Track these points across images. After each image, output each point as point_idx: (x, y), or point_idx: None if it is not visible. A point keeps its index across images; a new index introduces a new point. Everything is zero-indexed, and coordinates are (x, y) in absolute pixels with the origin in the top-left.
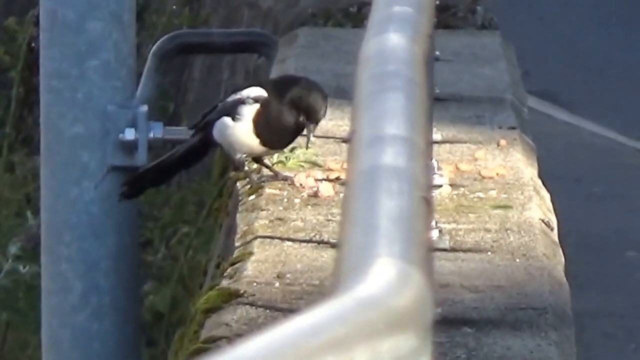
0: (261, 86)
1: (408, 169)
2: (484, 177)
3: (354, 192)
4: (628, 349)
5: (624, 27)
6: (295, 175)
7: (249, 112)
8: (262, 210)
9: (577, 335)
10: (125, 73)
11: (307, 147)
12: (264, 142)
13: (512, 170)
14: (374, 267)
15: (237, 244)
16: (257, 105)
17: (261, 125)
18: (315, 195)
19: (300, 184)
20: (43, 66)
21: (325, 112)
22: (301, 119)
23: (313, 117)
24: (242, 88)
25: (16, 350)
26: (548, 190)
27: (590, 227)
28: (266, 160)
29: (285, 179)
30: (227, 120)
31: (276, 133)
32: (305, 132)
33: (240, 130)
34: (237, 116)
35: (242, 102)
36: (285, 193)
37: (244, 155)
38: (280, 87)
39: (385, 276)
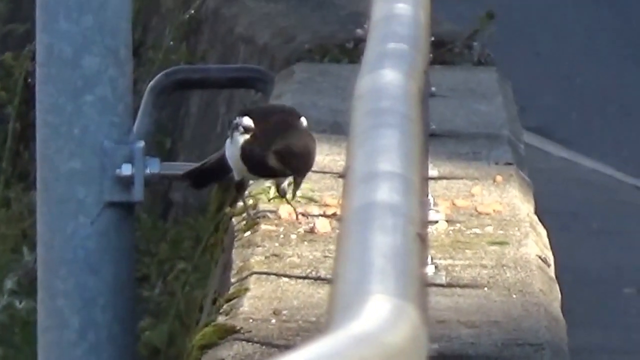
0: (250, 116)
1: (402, 205)
2: (480, 213)
3: (349, 229)
4: None
5: (621, 64)
6: (277, 209)
7: (240, 139)
8: (258, 246)
9: None
10: (122, 108)
11: (293, 197)
12: (252, 173)
13: (508, 207)
14: (368, 303)
15: (233, 280)
16: (247, 136)
17: (247, 160)
18: (312, 231)
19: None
20: (39, 101)
21: (311, 165)
22: (287, 172)
23: (298, 175)
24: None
25: None
26: (545, 226)
27: (587, 264)
28: (285, 184)
29: (263, 215)
30: (228, 140)
31: (261, 172)
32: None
33: (233, 155)
34: (232, 140)
35: (237, 126)
36: (281, 229)
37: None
38: (267, 131)
39: (379, 312)
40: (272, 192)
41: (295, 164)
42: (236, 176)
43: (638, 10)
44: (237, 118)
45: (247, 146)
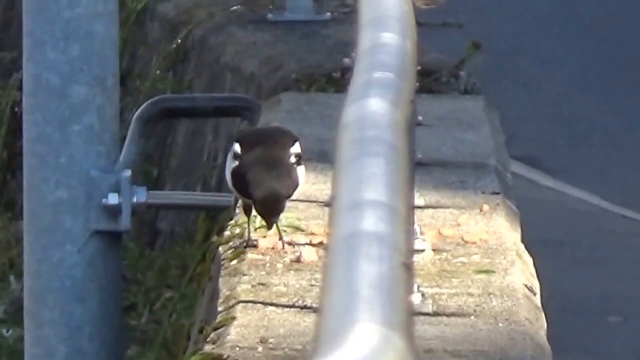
0: (241, 143)
1: (388, 234)
2: (466, 242)
3: (335, 257)
4: None
5: (607, 93)
6: (257, 240)
7: (232, 165)
8: (244, 275)
9: None
10: (109, 137)
11: (269, 229)
12: (244, 196)
13: (495, 235)
14: (355, 332)
15: (219, 309)
16: (236, 163)
17: (236, 184)
18: (298, 260)
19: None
20: (26, 130)
21: (279, 212)
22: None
23: (264, 219)
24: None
25: None
26: (531, 255)
27: (573, 292)
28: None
29: (253, 245)
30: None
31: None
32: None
33: (227, 177)
34: (228, 166)
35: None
36: (267, 258)
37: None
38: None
39: (366, 341)
40: (258, 221)
41: (261, 211)
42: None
43: (625, 40)
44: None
45: (234, 173)
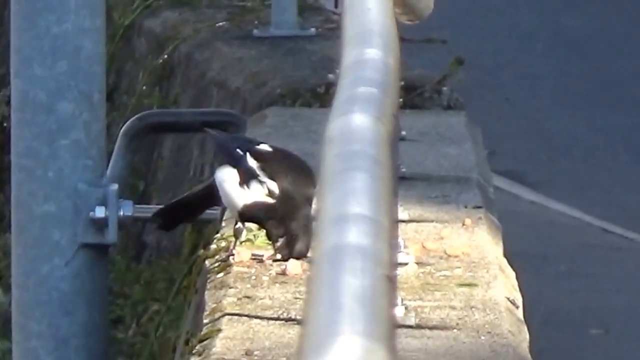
0: (273, 179)
1: (372, 247)
2: (449, 256)
3: (319, 270)
4: None
5: (589, 109)
6: (238, 253)
7: (258, 194)
8: (230, 287)
9: None
10: (96, 152)
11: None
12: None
13: (477, 249)
14: (338, 344)
15: (205, 321)
16: (269, 201)
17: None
18: (283, 273)
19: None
20: (14, 145)
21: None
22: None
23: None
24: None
25: None
26: (514, 269)
27: (556, 305)
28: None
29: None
30: (230, 176)
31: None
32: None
33: (234, 200)
34: (246, 186)
35: (255, 175)
36: (253, 271)
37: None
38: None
39: (349, 353)
40: (244, 235)
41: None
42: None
43: (606, 57)
44: (252, 162)
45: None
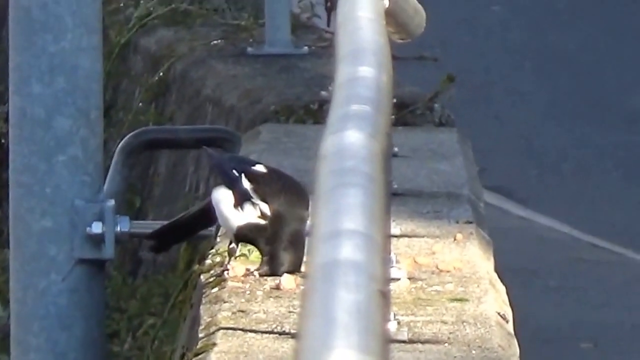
0: (265, 201)
1: (365, 262)
2: (441, 271)
3: (313, 285)
4: None
5: (577, 125)
6: (232, 267)
7: (251, 216)
8: (225, 302)
9: None
10: (93, 168)
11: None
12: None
13: (468, 264)
14: (331, 358)
15: (200, 335)
16: (261, 222)
17: (254, 241)
18: (277, 287)
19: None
20: (12, 161)
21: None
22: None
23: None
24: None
25: None
26: (504, 283)
27: (546, 319)
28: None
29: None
30: (226, 198)
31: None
32: None
33: (229, 220)
34: (240, 208)
35: (248, 198)
36: (247, 285)
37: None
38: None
39: None
40: (238, 251)
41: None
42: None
43: (594, 75)
44: (246, 184)
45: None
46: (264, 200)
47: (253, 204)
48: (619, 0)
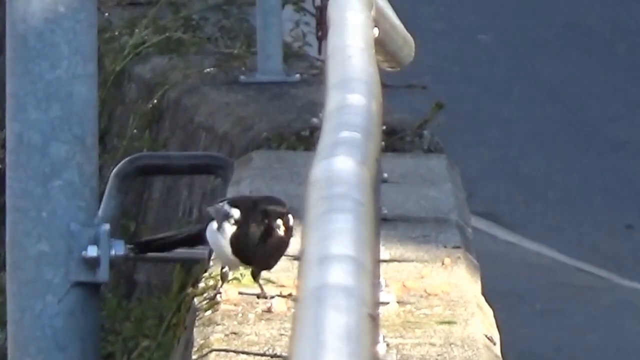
0: (238, 207)
1: (355, 287)
2: (429, 294)
3: (303, 309)
4: None
5: (563, 153)
6: (225, 291)
7: (229, 232)
8: (217, 324)
9: None
10: (88, 193)
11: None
12: (242, 262)
13: (456, 288)
14: None
15: (194, 357)
16: (235, 228)
17: (236, 248)
18: (269, 310)
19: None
20: (9, 187)
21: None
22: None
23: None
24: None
25: None
26: (491, 307)
27: (532, 343)
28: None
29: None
30: (214, 228)
31: (251, 257)
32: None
33: (221, 245)
34: (221, 230)
35: (227, 216)
36: (240, 308)
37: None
38: (250, 215)
39: None
40: (231, 274)
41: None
42: (222, 262)
43: (580, 103)
44: (227, 207)
45: (234, 237)
46: (235, 206)
47: (228, 218)
48: (604, 31)
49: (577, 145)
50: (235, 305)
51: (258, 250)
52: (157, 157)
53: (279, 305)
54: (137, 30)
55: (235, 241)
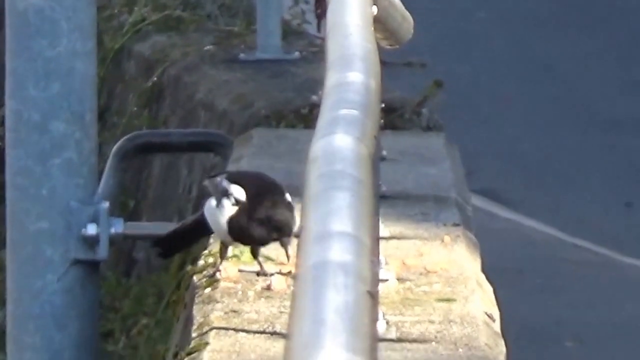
0: (241, 185)
1: (354, 264)
2: (429, 272)
3: (303, 286)
4: None
5: (561, 131)
6: (224, 268)
7: (228, 211)
8: (217, 302)
9: None
10: (88, 171)
11: (288, 260)
12: (237, 241)
13: (456, 265)
14: (321, 358)
15: (193, 335)
16: (235, 209)
17: (234, 231)
18: (269, 288)
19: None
20: (9, 164)
21: (294, 224)
22: (274, 235)
23: (284, 233)
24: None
25: None
26: (491, 284)
27: (531, 318)
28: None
29: (265, 274)
30: (212, 204)
31: (245, 242)
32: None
33: (218, 223)
34: (220, 207)
35: (227, 194)
36: (239, 286)
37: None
38: (254, 199)
39: None
40: (231, 251)
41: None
42: (218, 239)
43: (576, 80)
44: (225, 183)
45: (234, 219)
46: (235, 182)
47: (227, 195)
48: (600, 10)
49: (575, 123)
50: (234, 282)
51: (256, 235)
52: (157, 134)
53: (279, 282)
54: (136, 8)
55: (234, 224)
